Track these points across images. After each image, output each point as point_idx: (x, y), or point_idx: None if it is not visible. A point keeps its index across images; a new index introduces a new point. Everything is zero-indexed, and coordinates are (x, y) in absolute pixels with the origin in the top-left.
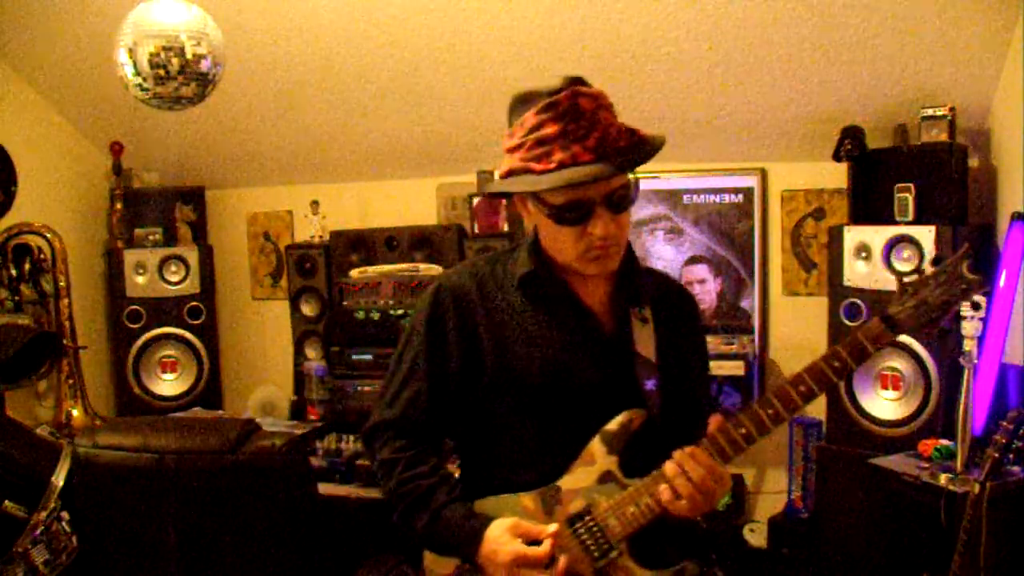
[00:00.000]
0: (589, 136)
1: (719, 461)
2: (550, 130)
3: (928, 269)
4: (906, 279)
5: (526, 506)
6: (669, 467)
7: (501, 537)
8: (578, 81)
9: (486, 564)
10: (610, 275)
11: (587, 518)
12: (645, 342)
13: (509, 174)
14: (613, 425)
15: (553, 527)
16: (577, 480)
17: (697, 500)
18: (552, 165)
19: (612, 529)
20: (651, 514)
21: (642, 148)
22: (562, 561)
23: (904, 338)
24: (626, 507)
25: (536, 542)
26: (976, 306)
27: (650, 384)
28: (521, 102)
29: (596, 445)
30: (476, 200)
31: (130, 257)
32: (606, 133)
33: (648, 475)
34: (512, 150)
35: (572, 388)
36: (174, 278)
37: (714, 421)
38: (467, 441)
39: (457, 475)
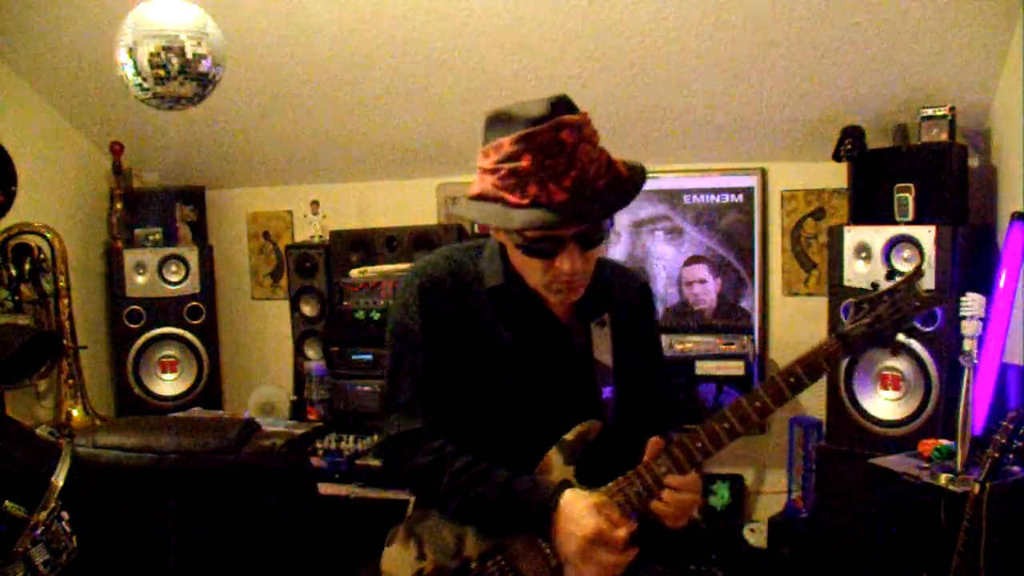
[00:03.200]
0: (566, 175)
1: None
2: (526, 163)
3: (883, 286)
4: (861, 297)
5: None
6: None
7: (585, 510)
8: (562, 104)
9: (562, 532)
10: None
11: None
12: (603, 348)
13: (480, 196)
14: (571, 436)
15: (633, 524)
16: None
17: (683, 516)
18: (526, 200)
19: None
20: None
21: (620, 189)
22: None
23: (904, 339)
24: None
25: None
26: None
27: (607, 392)
28: (499, 121)
29: (553, 455)
30: None
31: (130, 257)
32: (584, 172)
33: (603, 486)
34: (485, 172)
35: (538, 400)
36: (174, 278)
37: (653, 443)
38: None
39: None
